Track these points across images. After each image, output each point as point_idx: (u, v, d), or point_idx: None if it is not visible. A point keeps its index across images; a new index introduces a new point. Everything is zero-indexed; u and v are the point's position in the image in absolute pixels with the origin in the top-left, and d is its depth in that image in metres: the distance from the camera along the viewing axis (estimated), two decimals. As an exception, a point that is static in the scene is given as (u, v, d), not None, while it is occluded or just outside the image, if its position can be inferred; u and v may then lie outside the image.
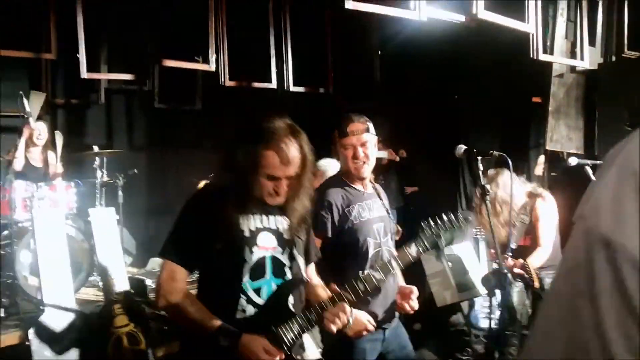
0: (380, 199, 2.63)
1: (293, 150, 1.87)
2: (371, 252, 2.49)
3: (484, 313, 4.45)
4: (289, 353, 1.88)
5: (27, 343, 3.58)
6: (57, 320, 3.72)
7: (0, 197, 4.43)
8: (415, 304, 2.45)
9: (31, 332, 3.59)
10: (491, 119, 5.70)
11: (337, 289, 2.06)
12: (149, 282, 4.26)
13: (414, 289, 2.46)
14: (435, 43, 5.14)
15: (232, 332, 1.81)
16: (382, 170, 4.99)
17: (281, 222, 2.00)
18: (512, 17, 4.54)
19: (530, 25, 4.67)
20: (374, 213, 2.55)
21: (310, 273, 2.20)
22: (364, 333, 2.19)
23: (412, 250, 2.15)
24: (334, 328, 1.96)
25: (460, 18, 4.33)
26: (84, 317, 3.84)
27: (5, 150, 4.64)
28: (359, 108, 6.32)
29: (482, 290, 4.01)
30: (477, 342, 4.86)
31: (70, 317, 3.77)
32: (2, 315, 3.85)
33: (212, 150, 6.30)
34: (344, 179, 2.57)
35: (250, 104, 6.25)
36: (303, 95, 5.93)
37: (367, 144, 2.50)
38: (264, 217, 1.97)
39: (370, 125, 2.54)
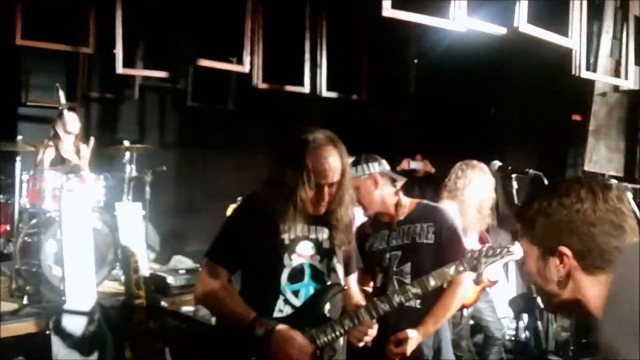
0: (413, 224, 2.55)
1: (334, 159, 1.97)
2: (378, 283, 2.54)
3: (509, 335, 4.33)
4: (319, 354, 1.96)
5: (47, 332, 3.61)
6: (78, 312, 3.73)
7: (30, 185, 4.50)
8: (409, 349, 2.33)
9: (52, 322, 3.61)
10: (528, 135, 5.55)
11: (375, 299, 2.09)
12: (170, 280, 4.25)
13: (411, 334, 2.32)
14: (474, 55, 5.02)
15: (267, 322, 1.90)
16: (418, 182, 4.89)
17: (321, 232, 2.09)
18: (554, 32, 4.40)
19: (574, 41, 4.52)
20: (392, 243, 2.54)
21: (350, 283, 2.26)
22: None
23: (451, 270, 2.16)
24: (359, 345, 2.03)
25: (502, 30, 4.21)
26: (105, 310, 3.85)
27: (39, 140, 4.70)
28: (393, 118, 6.26)
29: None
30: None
31: (90, 309, 3.78)
32: (25, 302, 3.89)
33: (241, 152, 6.31)
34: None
35: (281, 107, 6.23)
36: (335, 101, 5.88)
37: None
38: (305, 226, 2.05)
39: None
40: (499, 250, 2.21)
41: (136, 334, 3.77)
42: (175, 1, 5.27)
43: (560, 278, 1.14)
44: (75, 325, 3.69)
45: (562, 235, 1.13)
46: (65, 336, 3.64)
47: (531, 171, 2.49)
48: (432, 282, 2.14)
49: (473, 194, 3.63)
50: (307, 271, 2.06)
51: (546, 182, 2.41)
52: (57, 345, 3.58)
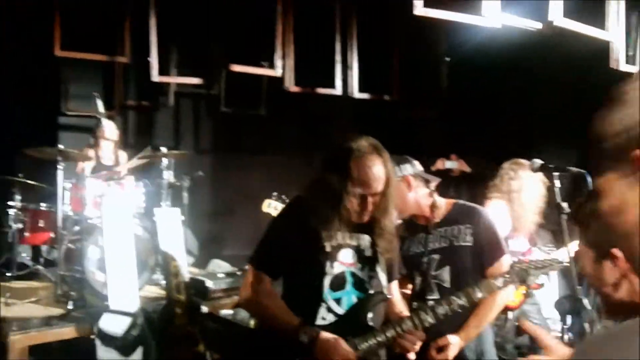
0: (450, 226, 2.51)
1: (378, 168, 1.95)
2: (417, 286, 2.49)
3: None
4: None
5: (91, 336, 3.70)
6: (121, 316, 3.81)
7: (72, 193, 4.62)
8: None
9: (96, 326, 3.70)
10: (565, 132, 5.43)
11: (418, 310, 2.08)
12: (210, 284, 4.30)
13: (452, 339, 2.32)
14: (507, 51, 4.94)
15: (312, 329, 1.91)
16: (453, 183, 4.83)
17: (362, 240, 2.08)
18: (591, 25, 4.29)
19: (612, 33, 4.40)
20: (429, 246, 2.48)
21: (393, 290, 2.24)
22: None
23: (499, 282, 2.12)
24: (409, 356, 1.99)
25: (537, 25, 4.14)
26: (147, 314, 3.92)
27: (79, 148, 4.83)
28: (424, 117, 6.20)
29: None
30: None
31: (133, 313, 3.86)
32: (70, 307, 3.99)
33: (275, 155, 6.35)
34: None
35: (313, 110, 6.24)
36: (367, 102, 5.86)
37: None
38: (347, 234, 2.04)
39: None
40: (549, 262, 2.16)
41: (178, 338, 3.82)
42: (207, 8, 5.34)
43: (616, 280, 1.13)
44: (119, 329, 3.77)
45: (614, 237, 1.11)
46: (109, 340, 3.72)
47: (573, 169, 2.43)
48: (479, 294, 2.11)
49: (530, 196, 3.51)
50: (349, 279, 2.05)
51: (589, 180, 2.35)
52: (102, 349, 3.67)
